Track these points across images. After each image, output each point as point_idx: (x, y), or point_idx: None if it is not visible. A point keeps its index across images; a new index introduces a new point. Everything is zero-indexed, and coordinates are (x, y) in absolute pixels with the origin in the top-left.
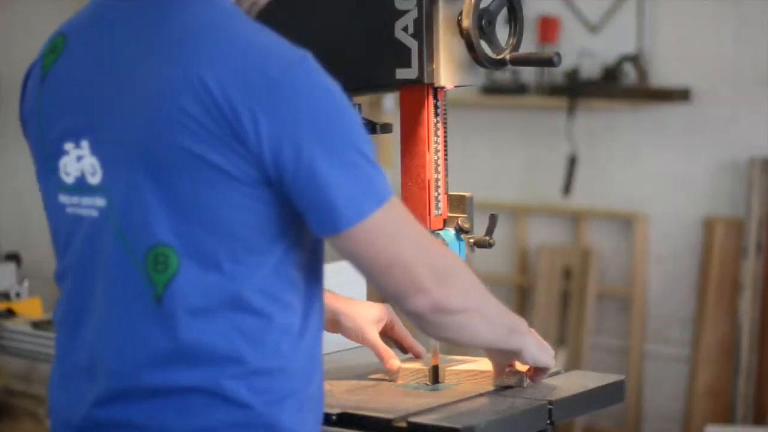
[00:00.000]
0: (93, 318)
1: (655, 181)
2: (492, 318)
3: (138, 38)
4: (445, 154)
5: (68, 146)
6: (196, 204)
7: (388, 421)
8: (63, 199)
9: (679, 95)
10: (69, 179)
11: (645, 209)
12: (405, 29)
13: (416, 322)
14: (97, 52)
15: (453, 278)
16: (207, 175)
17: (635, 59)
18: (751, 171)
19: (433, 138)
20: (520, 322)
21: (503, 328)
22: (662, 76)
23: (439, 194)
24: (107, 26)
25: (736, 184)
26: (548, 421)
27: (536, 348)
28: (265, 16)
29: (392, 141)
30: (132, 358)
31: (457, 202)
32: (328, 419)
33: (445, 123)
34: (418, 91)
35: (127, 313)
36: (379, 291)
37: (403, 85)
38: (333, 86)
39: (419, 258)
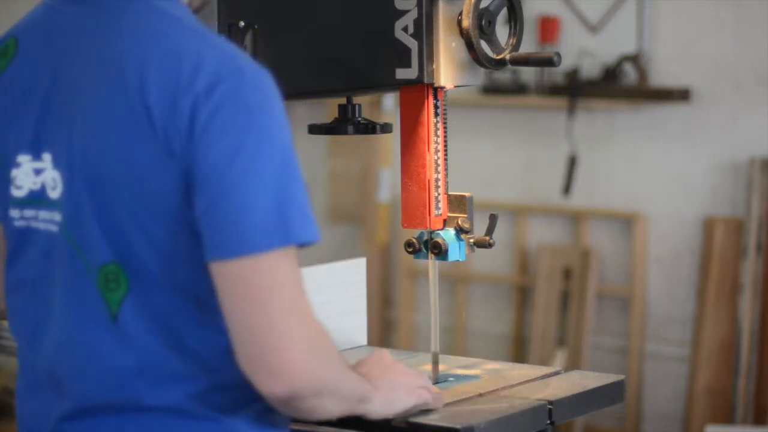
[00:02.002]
0: (51, 333)
1: (655, 181)
2: (343, 394)
3: (86, 48)
4: (445, 154)
5: (22, 158)
6: (135, 225)
7: (388, 421)
8: (12, 213)
9: (679, 95)
10: (20, 192)
11: (645, 209)
12: (405, 29)
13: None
14: (47, 59)
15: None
16: (143, 196)
17: (635, 59)
18: (751, 171)
19: (433, 138)
20: (366, 389)
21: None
22: (662, 76)
23: (439, 194)
24: (56, 34)
25: (736, 184)
26: (548, 421)
27: (385, 404)
28: (266, 16)
29: (392, 141)
30: (93, 376)
31: (457, 202)
32: (327, 419)
33: (445, 123)
34: (418, 91)
35: (86, 330)
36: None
37: (403, 85)
38: (269, 102)
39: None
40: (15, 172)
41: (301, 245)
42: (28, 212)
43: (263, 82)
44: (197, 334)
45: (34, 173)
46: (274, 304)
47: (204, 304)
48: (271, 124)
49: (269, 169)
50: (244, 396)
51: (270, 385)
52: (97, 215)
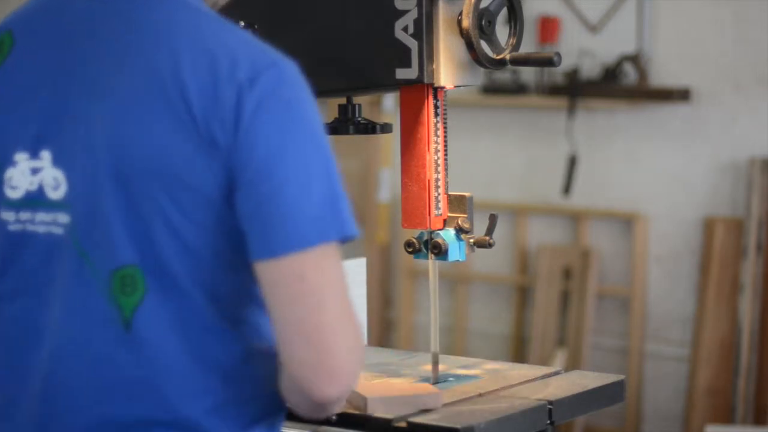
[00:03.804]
0: (47, 343)
1: (655, 181)
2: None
3: (101, 38)
4: (445, 154)
5: (19, 156)
6: (163, 223)
7: (388, 421)
8: (6, 215)
9: (679, 95)
10: (15, 194)
11: (645, 209)
12: (405, 29)
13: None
14: (51, 53)
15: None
16: (176, 192)
17: (635, 59)
18: (751, 171)
19: (433, 138)
20: None
21: None
22: (662, 76)
23: (439, 194)
24: (63, 24)
25: (736, 184)
26: (548, 421)
27: None
28: (266, 16)
29: (392, 141)
30: (99, 389)
31: (457, 202)
32: (327, 419)
33: (445, 123)
34: (418, 91)
35: (93, 339)
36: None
37: (403, 85)
38: (306, 96)
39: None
40: (11, 172)
41: (346, 240)
42: (24, 215)
43: (298, 76)
44: (219, 343)
45: (31, 172)
46: (329, 301)
47: (227, 311)
48: (312, 117)
49: (317, 162)
50: (258, 410)
51: (329, 387)
52: (121, 212)
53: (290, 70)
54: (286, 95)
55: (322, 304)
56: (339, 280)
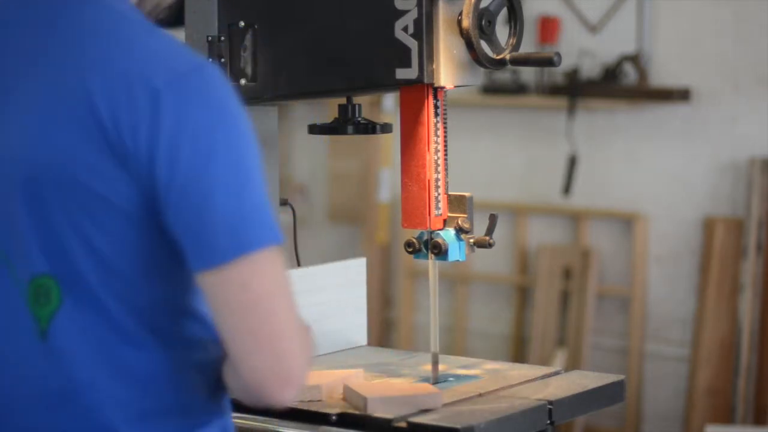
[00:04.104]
0: None
1: (655, 181)
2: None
3: (26, 41)
4: (445, 154)
5: None
6: (75, 233)
7: (388, 421)
8: None
9: (679, 95)
10: None
11: (645, 209)
12: (405, 29)
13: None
14: None
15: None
16: (87, 201)
17: (635, 59)
18: (751, 171)
19: (433, 138)
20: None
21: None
22: (662, 76)
23: (439, 194)
24: None
25: (736, 184)
26: (548, 421)
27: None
28: (266, 16)
29: (392, 141)
30: (21, 399)
31: (457, 202)
32: (327, 419)
33: (445, 123)
34: (418, 91)
35: (13, 349)
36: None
37: (403, 85)
38: (230, 99)
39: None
40: None
41: (280, 247)
42: None
43: (222, 79)
44: (140, 353)
45: None
46: (277, 307)
47: (150, 322)
48: (237, 120)
49: (246, 166)
50: (187, 423)
51: (283, 392)
52: (32, 221)
53: (213, 73)
54: (209, 99)
55: (270, 311)
56: (283, 284)
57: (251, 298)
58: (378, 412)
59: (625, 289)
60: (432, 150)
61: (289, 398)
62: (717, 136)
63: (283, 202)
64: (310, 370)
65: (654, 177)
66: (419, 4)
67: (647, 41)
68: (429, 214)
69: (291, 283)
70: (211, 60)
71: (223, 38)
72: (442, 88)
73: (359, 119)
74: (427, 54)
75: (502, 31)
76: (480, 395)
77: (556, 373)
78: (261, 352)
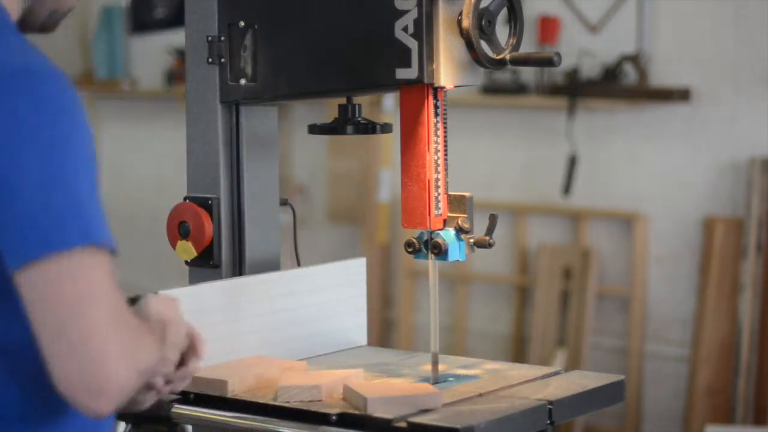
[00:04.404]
0: None
1: (655, 181)
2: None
3: None
4: (445, 154)
5: None
6: None
7: (388, 421)
8: None
9: (679, 95)
10: None
11: (645, 209)
12: (405, 29)
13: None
14: None
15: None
16: None
17: (635, 59)
18: (751, 171)
19: (433, 138)
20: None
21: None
22: (662, 76)
23: (439, 194)
24: None
25: (736, 184)
26: (548, 421)
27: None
28: (266, 16)
29: (392, 141)
30: None
31: (457, 202)
32: (327, 419)
33: (445, 123)
34: (418, 91)
35: None
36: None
37: (403, 85)
38: (58, 99)
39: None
40: None
41: (105, 249)
42: None
43: (59, 83)
44: None
45: None
46: (90, 307)
47: None
48: (62, 118)
49: (59, 167)
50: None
51: (95, 402)
52: None
53: (49, 76)
54: (34, 97)
55: (82, 310)
56: (101, 285)
57: (55, 296)
58: (378, 412)
59: (625, 289)
60: (432, 150)
61: (105, 409)
62: (717, 136)
63: (283, 202)
64: (135, 381)
65: (654, 177)
66: (419, 4)
67: (647, 41)
68: (429, 214)
69: (114, 284)
70: (59, 68)
71: (223, 38)
72: (442, 88)
73: (359, 119)
74: (427, 54)
75: (502, 31)
76: (480, 395)
77: (556, 373)
78: (70, 354)
